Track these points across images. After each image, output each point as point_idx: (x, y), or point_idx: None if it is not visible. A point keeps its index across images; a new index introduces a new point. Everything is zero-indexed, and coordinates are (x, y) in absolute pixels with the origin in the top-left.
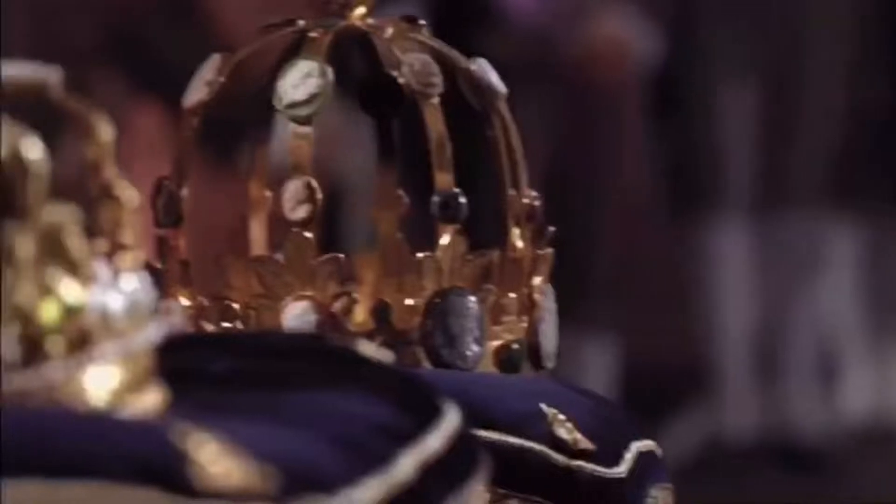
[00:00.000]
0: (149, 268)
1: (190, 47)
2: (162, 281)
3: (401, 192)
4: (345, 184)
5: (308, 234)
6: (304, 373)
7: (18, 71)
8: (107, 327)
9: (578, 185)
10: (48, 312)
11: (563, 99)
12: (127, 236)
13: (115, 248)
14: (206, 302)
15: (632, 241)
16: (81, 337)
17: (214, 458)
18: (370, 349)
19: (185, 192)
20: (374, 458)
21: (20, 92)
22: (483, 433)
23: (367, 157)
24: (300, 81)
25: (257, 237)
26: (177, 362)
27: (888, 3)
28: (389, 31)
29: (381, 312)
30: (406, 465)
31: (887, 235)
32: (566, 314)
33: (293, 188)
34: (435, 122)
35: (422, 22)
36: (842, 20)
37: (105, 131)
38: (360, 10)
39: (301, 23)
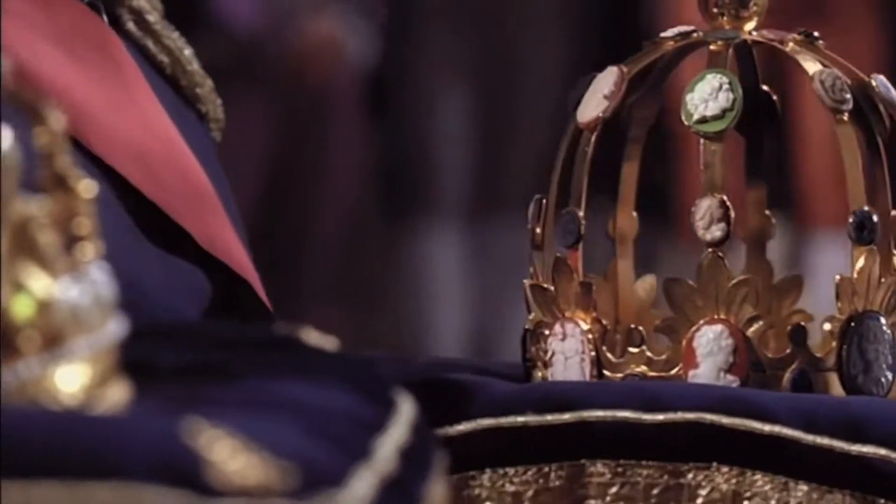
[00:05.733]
0: (538, 289)
1: None
2: (555, 303)
3: (769, 212)
4: None
5: (721, 255)
6: (263, 363)
7: None
8: (77, 322)
9: (292, 189)
10: (21, 308)
11: (278, 101)
12: (84, 227)
13: (73, 240)
14: (608, 325)
15: (347, 246)
16: (53, 333)
17: (230, 456)
18: (315, 337)
19: (582, 212)
20: (357, 449)
21: None
22: None
23: None
24: (710, 96)
25: None
26: (124, 355)
27: (601, 7)
28: (790, 44)
29: (796, 337)
30: (387, 454)
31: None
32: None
33: (706, 207)
34: (847, 138)
35: (816, 35)
36: (556, 24)
37: (57, 120)
38: (751, 23)
39: (694, 35)
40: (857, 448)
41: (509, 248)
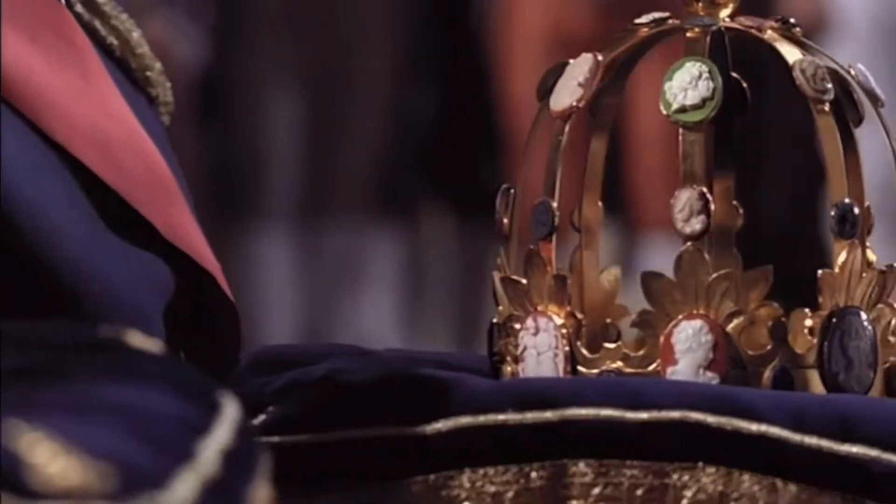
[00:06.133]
0: (509, 282)
1: None
2: (527, 296)
3: (737, 203)
4: None
5: (701, 248)
6: (86, 366)
7: None
8: None
9: None
10: None
11: None
12: None
13: None
14: (583, 319)
15: None
16: None
17: (50, 458)
18: (140, 339)
19: (556, 203)
20: (179, 451)
21: None
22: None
23: None
24: (689, 85)
25: None
26: None
27: (433, 11)
28: (768, 32)
29: (777, 332)
30: (210, 456)
31: (428, 242)
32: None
33: (685, 199)
34: (828, 129)
35: (793, 21)
36: (387, 28)
37: None
38: (727, 9)
39: (669, 22)
40: (846, 448)
41: (339, 249)
